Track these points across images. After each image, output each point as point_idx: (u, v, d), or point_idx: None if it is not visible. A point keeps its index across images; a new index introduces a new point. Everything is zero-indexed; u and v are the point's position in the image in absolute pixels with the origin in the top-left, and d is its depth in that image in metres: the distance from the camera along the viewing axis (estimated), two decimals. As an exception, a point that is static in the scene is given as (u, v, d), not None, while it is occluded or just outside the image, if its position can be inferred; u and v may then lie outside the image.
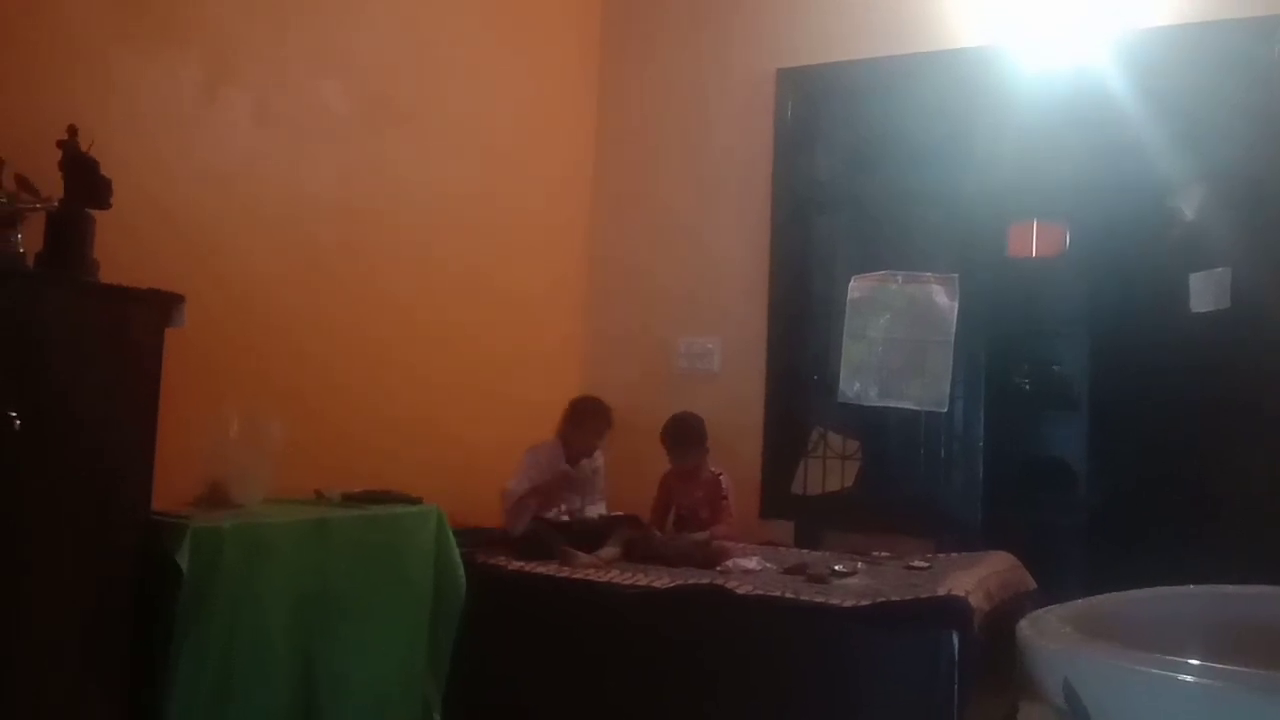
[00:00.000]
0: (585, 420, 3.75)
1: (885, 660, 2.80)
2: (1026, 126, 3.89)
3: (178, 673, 2.30)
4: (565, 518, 3.65)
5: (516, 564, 3.28)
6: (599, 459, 3.84)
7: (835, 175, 4.34)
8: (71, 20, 2.55)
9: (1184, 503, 3.68)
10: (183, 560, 2.31)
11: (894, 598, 2.87)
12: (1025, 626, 1.55)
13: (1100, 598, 1.72)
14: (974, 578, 3.06)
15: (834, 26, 4.26)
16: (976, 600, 2.84)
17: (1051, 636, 1.45)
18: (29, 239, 2.24)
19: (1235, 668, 1.22)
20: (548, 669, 3.12)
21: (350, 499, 2.98)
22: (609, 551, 3.43)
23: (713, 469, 3.84)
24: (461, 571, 3.04)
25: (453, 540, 3.05)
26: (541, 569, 3.25)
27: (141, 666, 2.28)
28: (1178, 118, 3.73)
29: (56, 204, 2.27)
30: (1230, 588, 1.80)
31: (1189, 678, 1.22)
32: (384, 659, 2.82)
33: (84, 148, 2.33)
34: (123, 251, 2.39)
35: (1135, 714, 1.26)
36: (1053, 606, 1.64)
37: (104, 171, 2.33)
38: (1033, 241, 4.49)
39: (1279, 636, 1.64)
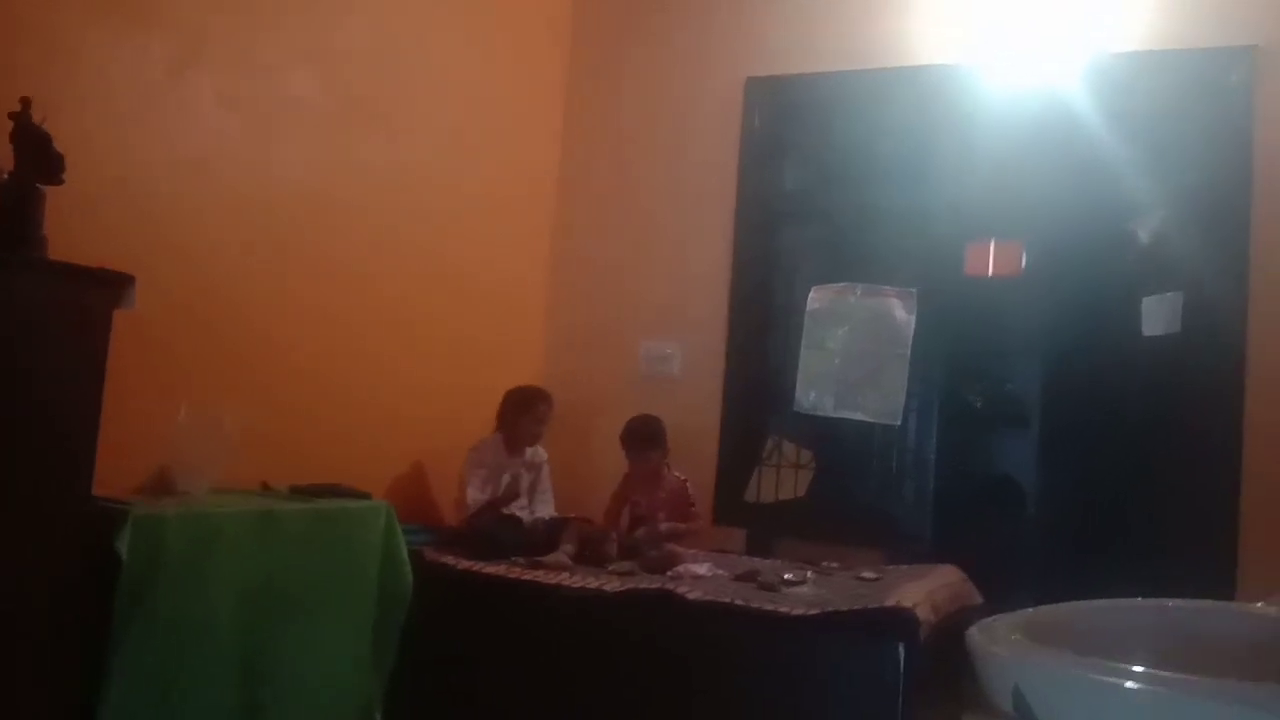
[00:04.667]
0: (525, 407, 3.77)
1: (832, 669, 2.81)
2: (991, 145, 3.94)
3: (117, 663, 2.26)
4: (517, 512, 3.64)
5: (465, 563, 3.25)
6: (542, 453, 3.84)
7: (800, 186, 4.36)
8: (33, -7, 2.49)
9: (1131, 521, 3.73)
10: (122, 548, 2.26)
11: (842, 607, 2.88)
12: (975, 633, 1.56)
13: (1050, 607, 1.74)
14: (922, 590, 3.08)
15: (805, 38, 4.29)
16: (923, 612, 2.86)
17: (1001, 643, 1.46)
18: (-25, 213, 2.18)
19: (1182, 675, 1.24)
20: (495, 669, 3.10)
21: (298, 491, 2.94)
22: (566, 549, 3.42)
23: (677, 474, 3.84)
24: (409, 569, 3.00)
25: (401, 537, 3.01)
26: (491, 569, 3.22)
27: (80, 656, 2.23)
28: (1139, 142, 3.79)
29: (5, 177, 2.22)
30: (1177, 601, 1.83)
31: (1136, 684, 1.24)
32: (327, 654, 2.78)
33: (38, 121, 2.27)
34: (81, 231, 2.35)
35: (1085, 718, 1.27)
36: (1002, 614, 1.65)
37: (62, 148, 2.28)
38: (990, 260, 4.52)
39: (1222, 648, 1.67)
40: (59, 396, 2.20)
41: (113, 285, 2.29)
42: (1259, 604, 1.86)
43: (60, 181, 2.29)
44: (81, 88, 2.60)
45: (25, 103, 2.27)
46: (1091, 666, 1.30)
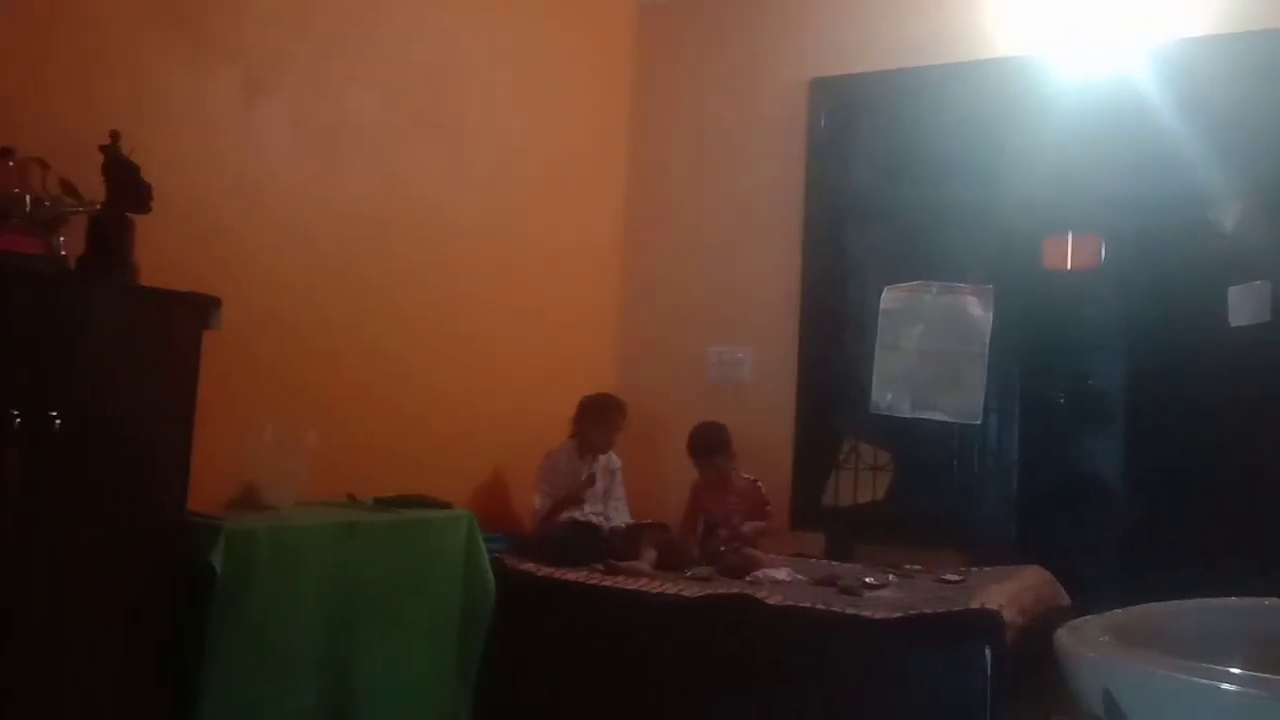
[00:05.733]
0: (600, 416, 3.79)
1: (916, 673, 2.77)
2: (1062, 137, 3.86)
3: (211, 673, 2.32)
4: (593, 519, 3.66)
5: (546, 570, 3.28)
6: (616, 460, 3.86)
7: (869, 185, 4.32)
8: (111, 30, 2.59)
9: (1221, 518, 3.62)
10: (217, 561, 2.33)
11: (926, 610, 2.84)
12: (1064, 635, 1.53)
13: (1141, 608, 1.69)
14: (1007, 592, 3.03)
15: (868, 36, 4.26)
16: (1009, 614, 2.80)
17: (1091, 645, 1.43)
18: (71, 242, 2.27)
19: (1272, 676, 1.20)
20: (577, 675, 3.12)
21: (382, 503, 3.00)
22: (648, 556, 3.43)
23: (746, 475, 3.83)
24: (491, 577, 3.04)
25: (483, 545, 3.05)
26: (571, 575, 3.25)
27: (176, 666, 2.30)
28: (1216, 129, 3.68)
29: (98, 207, 2.31)
30: (1273, 600, 1.77)
31: (1231, 687, 1.20)
32: (414, 663, 2.83)
33: (126, 152, 2.36)
34: (158, 258, 2.42)
35: (1177, 722, 1.24)
36: (1092, 615, 1.61)
37: (147, 176, 2.37)
38: (1068, 254, 4.43)
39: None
40: (154, 416, 2.28)
41: (201, 308, 2.37)
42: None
43: (149, 210, 2.37)
44: (163, 118, 2.69)
45: (114, 135, 2.36)
46: (1184, 668, 1.26)
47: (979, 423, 3.97)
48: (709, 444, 3.82)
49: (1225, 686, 1.20)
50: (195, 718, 2.30)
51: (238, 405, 2.78)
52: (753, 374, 4.34)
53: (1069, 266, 4.40)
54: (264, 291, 2.94)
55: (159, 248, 2.44)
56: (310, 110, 3.13)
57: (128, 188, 2.35)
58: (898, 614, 2.83)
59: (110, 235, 2.31)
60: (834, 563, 3.74)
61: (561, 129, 4.25)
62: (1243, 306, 3.68)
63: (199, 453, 2.39)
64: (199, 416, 2.37)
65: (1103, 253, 4.33)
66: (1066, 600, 3.41)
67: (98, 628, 2.17)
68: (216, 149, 2.86)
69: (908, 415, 4.07)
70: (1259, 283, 3.65)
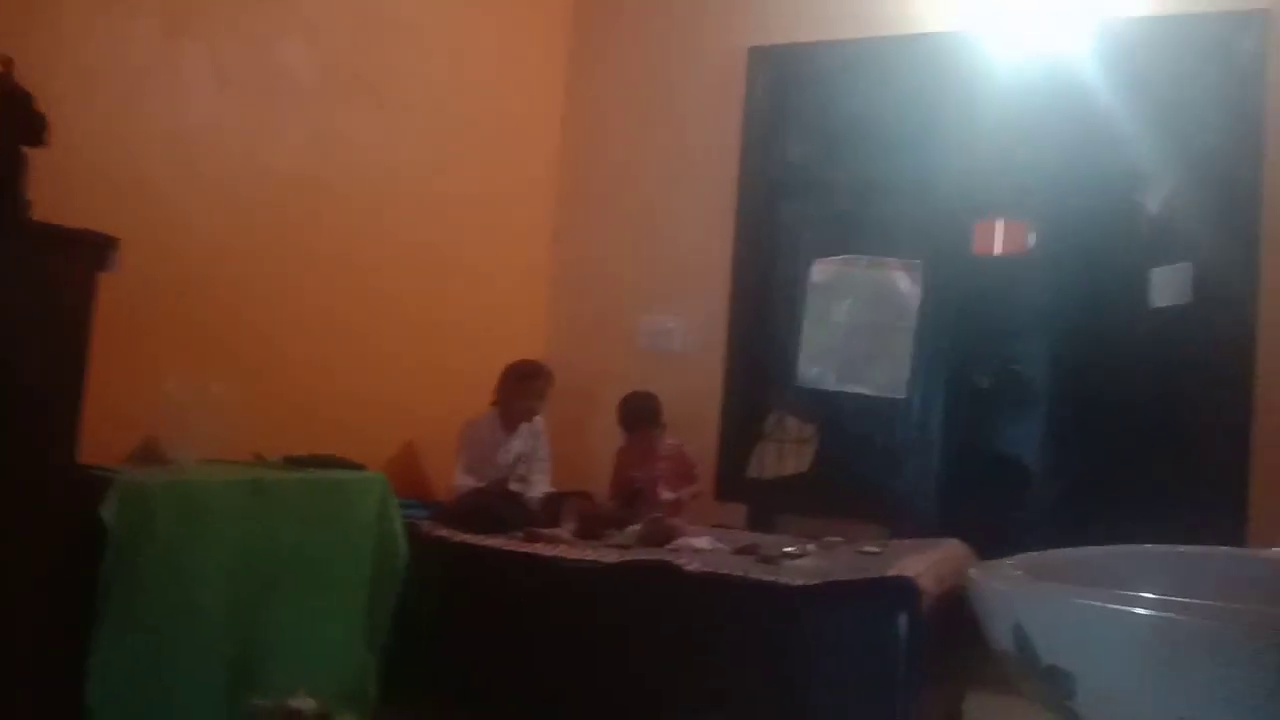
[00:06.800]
0: (524, 383, 3.71)
1: (833, 640, 2.76)
2: (997, 115, 3.87)
3: (103, 634, 2.22)
4: (514, 485, 3.59)
5: (462, 537, 3.20)
6: (539, 424, 3.78)
7: (804, 158, 4.29)
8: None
9: (1140, 496, 3.66)
10: (108, 516, 2.22)
11: (842, 577, 2.83)
12: (975, 571, 1.50)
13: (1055, 550, 1.68)
14: (925, 562, 3.02)
15: (808, 5, 4.23)
16: (926, 583, 2.79)
17: (1002, 579, 1.41)
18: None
19: (1188, 600, 1.17)
20: (492, 642, 3.05)
21: (292, 462, 2.90)
22: (569, 526, 3.38)
23: (670, 441, 3.79)
24: (404, 542, 2.96)
25: (397, 509, 2.97)
26: (488, 542, 3.18)
27: (64, 625, 2.18)
28: (1148, 110, 3.72)
29: (-14, 138, 2.17)
30: (1184, 547, 1.77)
31: (1142, 611, 1.17)
32: (321, 626, 2.74)
33: (19, 81, 2.23)
34: (71, 201, 2.29)
35: (1087, 651, 1.21)
36: (1005, 558, 1.60)
37: (55, 118, 2.23)
38: (997, 239, 4.45)
39: (1232, 592, 1.60)
40: (41, 360, 2.16)
41: (95, 247, 2.24)
42: (1275, 549, 1.80)
43: (44, 143, 2.24)
44: (73, 55, 2.56)
45: (7, 62, 2.22)
46: (1095, 595, 1.24)
47: (903, 396, 3.97)
48: (642, 415, 3.78)
49: (1136, 610, 1.17)
50: (88, 681, 2.19)
51: (142, 357, 2.66)
52: (683, 344, 4.30)
53: (998, 251, 4.42)
54: (173, 242, 2.83)
55: (60, 197, 2.29)
56: (232, 61, 3.03)
57: (20, 118, 2.22)
58: (814, 581, 2.81)
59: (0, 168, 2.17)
60: (756, 533, 3.71)
61: (495, 93, 4.16)
62: (1165, 288, 3.73)
63: (96, 402, 2.27)
64: (99, 367, 2.25)
65: (1031, 238, 4.36)
66: (985, 574, 3.42)
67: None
68: (129, 97, 2.75)
69: (833, 388, 4.06)
70: (1181, 264, 3.69)
